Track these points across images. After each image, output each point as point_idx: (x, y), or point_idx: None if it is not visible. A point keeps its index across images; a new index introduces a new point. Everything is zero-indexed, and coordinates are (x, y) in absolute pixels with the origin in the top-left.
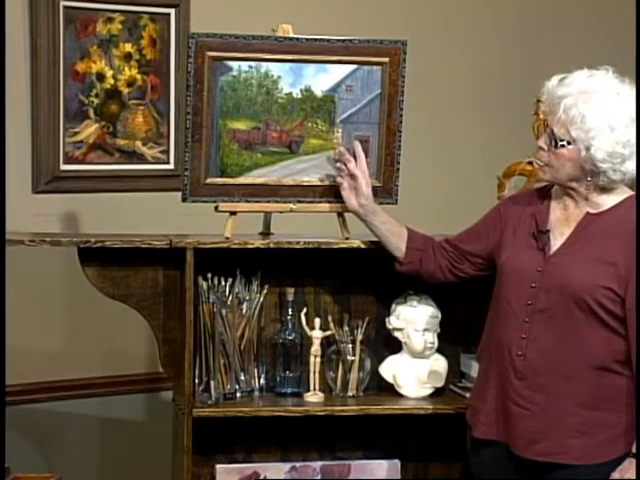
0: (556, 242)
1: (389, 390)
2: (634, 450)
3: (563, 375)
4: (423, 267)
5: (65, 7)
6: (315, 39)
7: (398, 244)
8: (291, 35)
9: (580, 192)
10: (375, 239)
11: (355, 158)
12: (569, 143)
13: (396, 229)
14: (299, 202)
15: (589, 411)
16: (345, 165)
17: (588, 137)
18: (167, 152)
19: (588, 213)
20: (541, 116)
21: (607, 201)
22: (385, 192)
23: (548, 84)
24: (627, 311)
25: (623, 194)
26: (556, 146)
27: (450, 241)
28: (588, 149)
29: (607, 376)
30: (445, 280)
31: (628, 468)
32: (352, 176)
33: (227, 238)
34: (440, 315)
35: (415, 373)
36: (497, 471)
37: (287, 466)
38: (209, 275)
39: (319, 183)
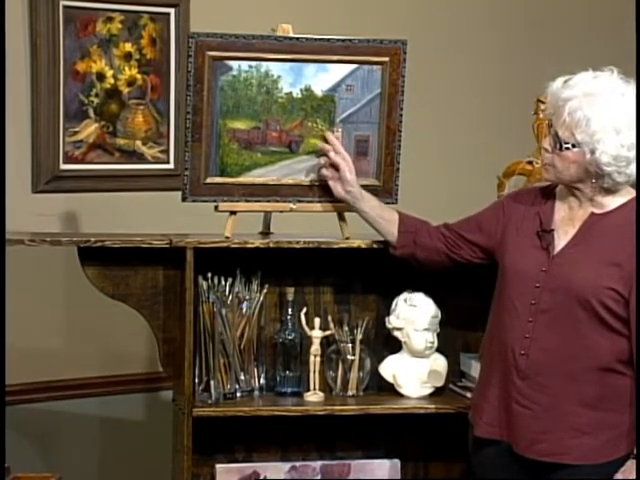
0: (560, 242)
1: (389, 390)
2: (635, 452)
3: (566, 375)
4: (418, 250)
5: (65, 7)
6: (315, 39)
7: (390, 228)
8: (291, 35)
9: (585, 193)
10: (375, 238)
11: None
12: (574, 146)
13: (387, 214)
14: (299, 202)
15: (592, 411)
16: (327, 156)
17: (593, 140)
18: (167, 152)
19: (593, 213)
20: (541, 115)
21: (612, 202)
22: (385, 192)
23: (552, 85)
24: (631, 313)
25: (628, 195)
26: (560, 149)
27: (449, 227)
28: (593, 152)
29: (610, 376)
30: (441, 265)
31: (630, 469)
32: (335, 166)
33: (227, 238)
34: (440, 314)
35: (415, 373)
36: (499, 470)
37: (287, 466)
38: (209, 275)
39: (319, 183)
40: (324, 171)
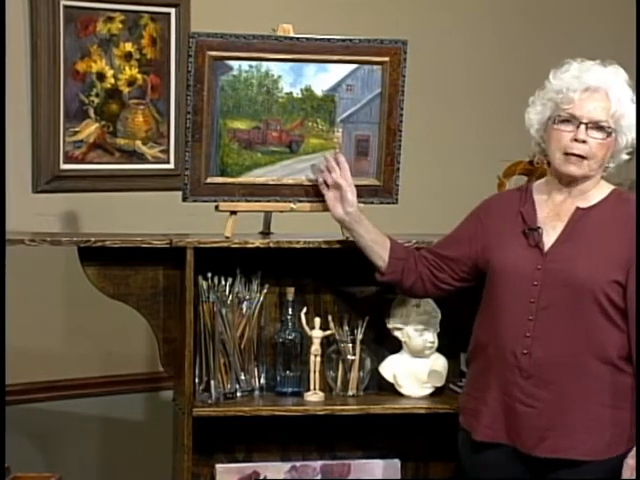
0: (550, 238)
1: (389, 389)
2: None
3: (570, 371)
4: (404, 277)
5: (65, 6)
6: (315, 39)
7: (382, 253)
8: (291, 35)
9: (587, 184)
10: None
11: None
12: (612, 133)
13: (380, 238)
14: (299, 202)
15: (597, 407)
16: (330, 173)
17: (630, 126)
18: (167, 152)
19: (578, 208)
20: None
21: (596, 194)
22: (385, 192)
23: (566, 75)
24: (628, 300)
25: (607, 188)
26: (609, 136)
27: (431, 249)
28: (627, 138)
29: (614, 371)
30: (424, 292)
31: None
32: (336, 186)
33: (227, 237)
34: (440, 314)
35: (415, 372)
36: (501, 473)
37: (287, 466)
38: (209, 274)
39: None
40: (324, 190)
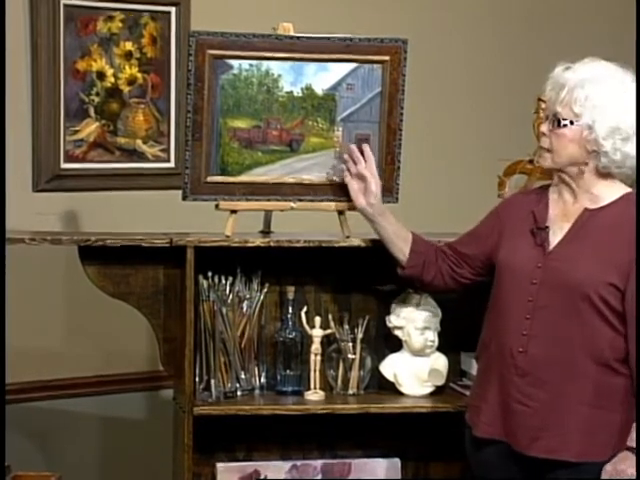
0: (555, 238)
1: (390, 388)
2: (629, 443)
3: (565, 371)
4: (425, 272)
5: (65, 5)
6: (316, 37)
7: (403, 247)
8: (292, 34)
9: (581, 179)
10: (375, 238)
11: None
12: (572, 123)
13: (402, 232)
14: (300, 200)
15: (590, 408)
16: (355, 164)
17: (593, 114)
18: (167, 150)
19: (586, 209)
20: (541, 114)
21: (606, 196)
22: (386, 191)
23: (553, 72)
24: (626, 304)
25: (621, 190)
26: (559, 126)
27: (450, 245)
28: (591, 127)
29: (607, 374)
30: (445, 286)
31: (623, 459)
32: (361, 177)
33: (227, 236)
34: (440, 313)
35: (416, 371)
36: (499, 470)
37: (288, 465)
38: (209, 273)
39: (320, 182)
40: (348, 180)
